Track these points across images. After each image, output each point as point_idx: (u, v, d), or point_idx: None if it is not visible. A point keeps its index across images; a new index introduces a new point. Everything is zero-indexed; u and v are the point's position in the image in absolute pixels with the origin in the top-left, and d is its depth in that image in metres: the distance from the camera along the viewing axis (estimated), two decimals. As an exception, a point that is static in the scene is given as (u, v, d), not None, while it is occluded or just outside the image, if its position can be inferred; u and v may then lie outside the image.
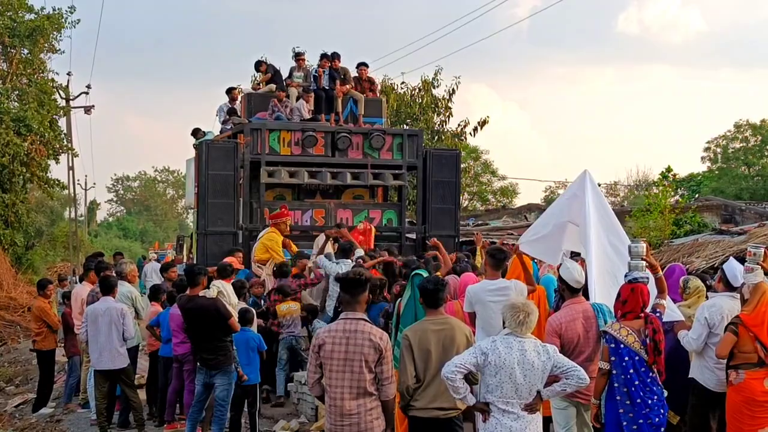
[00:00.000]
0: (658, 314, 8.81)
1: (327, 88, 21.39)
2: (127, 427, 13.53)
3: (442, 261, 13.25)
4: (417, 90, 37.28)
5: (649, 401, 8.45)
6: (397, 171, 20.82)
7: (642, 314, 8.67)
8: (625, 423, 8.42)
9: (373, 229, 18.54)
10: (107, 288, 13.28)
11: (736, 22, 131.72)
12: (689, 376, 10.13)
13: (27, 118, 27.56)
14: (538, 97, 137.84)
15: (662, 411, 8.57)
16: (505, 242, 21.44)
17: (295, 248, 17.43)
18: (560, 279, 9.66)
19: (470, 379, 7.40)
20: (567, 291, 9.48)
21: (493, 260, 10.46)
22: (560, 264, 10.35)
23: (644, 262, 8.91)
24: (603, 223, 10.62)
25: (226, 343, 11.61)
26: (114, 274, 14.22)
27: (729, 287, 9.93)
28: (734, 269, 9.96)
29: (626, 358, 8.45)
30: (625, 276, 8.87)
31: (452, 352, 7.72)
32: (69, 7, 30.20)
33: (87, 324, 13.27)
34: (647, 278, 8.89)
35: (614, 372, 8.48)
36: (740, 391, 9.35)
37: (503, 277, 10.52)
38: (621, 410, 8.46)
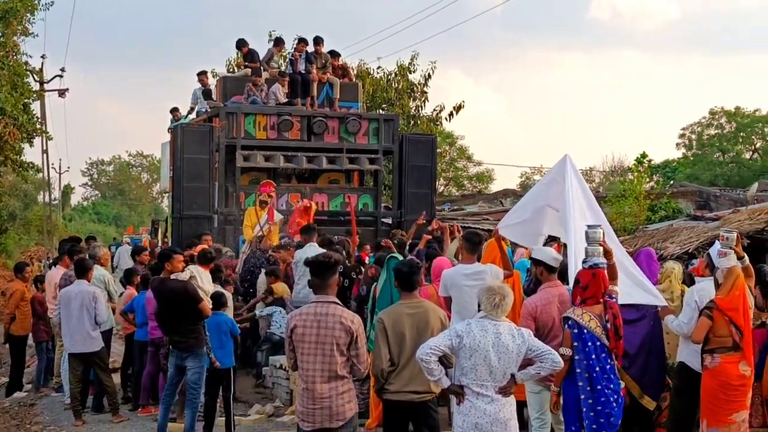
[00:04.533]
0: (614, 299, 8.78)
1: (303, 72, 21.33)
2: (101, 411, 13.54)
3: (447, 244, 13.45)
4: (393, 75, 37.24)
5: (606, 390, 8.47)
6: (372, 156, 20.89)
7: (602, 299, 8.69)
8: (584, 409, 8.44)
9: (313, 206, 18.13)
10: (82, 270, 13.36)
11: (708, 9, 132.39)
12: (678, 360, 10.19)
13: (0, 100, 27.48)
14: (513, 83, 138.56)
15: (618, 401, 8.56)
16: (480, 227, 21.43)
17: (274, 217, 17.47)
18: (536, 261, 9.69)
19: (445, 362, 7.37)
20: (545, 272, 9.54)
21: (469, 244, 10.57)
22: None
23: (601, 248, 8.90)
24: (584, 208, 10.57)
25: (197, 326, 11.61)
26: (88, 257, 14.22)
27: (713, 269, 9.95)
28: (717, 253, 9.98)
29: (589, 344, 8.48)
30: (584, 262, 8.83)
31: (426, 335, 7.70)
32: (42, -12, 30.02)
33: (60, 307, 13.35)
34: (606, 264, 8.86)
35: (576, 358, 8.49)
36: (715, 375, 9.38)
37: (479, 261, 10.54)
38: (582, 396, 8.47)
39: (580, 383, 8.47)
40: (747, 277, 9.89)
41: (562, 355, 8.27)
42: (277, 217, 17.44)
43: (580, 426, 8.55)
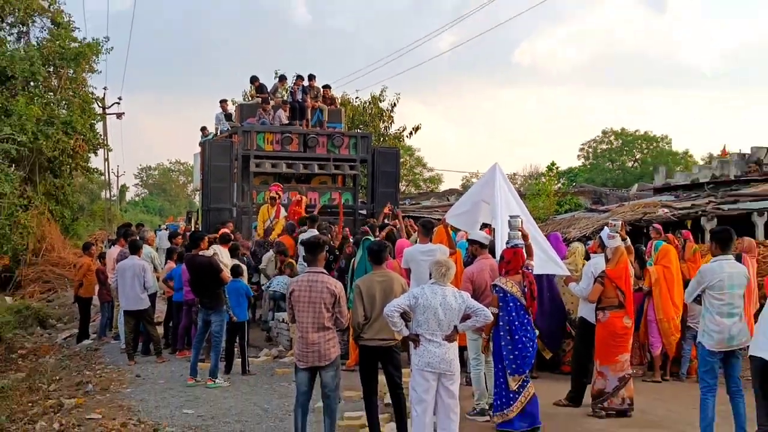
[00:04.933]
0: (530, 270, 8.92)
1: (300, 101, 21.36)
2: (148, 354, 13.64)
3: (401, 225, 13.55)
4: (367, 103, 37.22)
5: (524, 338, 8.61)
6: (352, 163, 20.90)
7: (521, 270, 8.82)
8: (505, 353, 8.58)
9: (304, 200, 18.58)
10: (135, 248, 13.65)
11: (602, 52, 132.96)
12: (579, 315, 10.27)
13: (72, 121, 27.29)
14: (457, 110, 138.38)
15: (533, 346, 8.71)
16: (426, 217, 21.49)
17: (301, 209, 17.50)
18: (472, 241, 9.78)
19: (405, 317, 7.39)
20: (479, 248, 9.67)
21: (424, 230, 10.74)
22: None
23: (519, 233, 9.01)
24: (509, 202, 10.68)
25: (219, 290, 11.72)
26: (139, 239, 14.36)
27: (604, 248, 9.99)
28: (607, 236, 10.04)
29: (511, 304, 8.64)
30: (507, 242, 9.03)
31: (391, 297, 7.70)
32: (104, 37, 29.97)
33: (117, 276, 13.55)
34: (523, 244, 9.00)
35: (501, 314, 8.63)
36: (606, 327, 9.46)
37: (431, 242, 10.58)
38: (503, 343, 8.63)
39: (502, 333, 8.64)
40: (629, 254, 10.05)
41: (493, 313, 8.34)
42: (282, 213, 17.44)
43: (502, 364, 8.63)
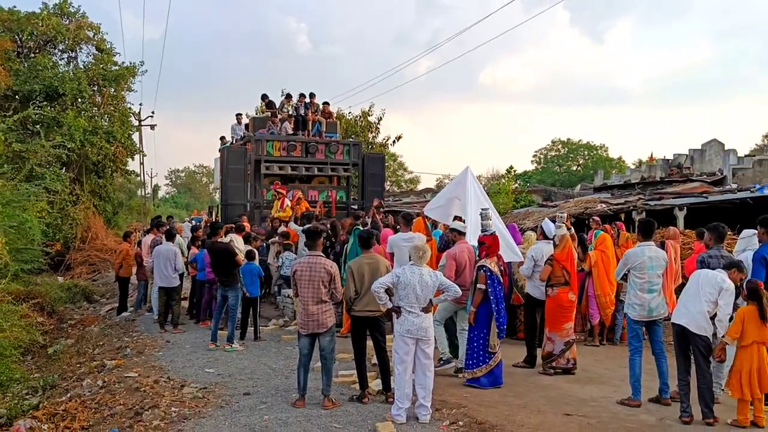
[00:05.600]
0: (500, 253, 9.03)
1: (303, 115, 21.33)
2: (176, 326, 13.33)
3: (377, 219, 13.70)
4: (359, 117, 37.22)
5: (502, 306, 8.58)
6: (346, 167, 20.82)
7: (498, 253, 8.90)
8: (499, 321, 8.51)
9: (303, 198, 18.41)
10: (170, 236, 13.71)
11: (552, 75, 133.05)
12: (526, 291, 10.29)
13: (113, 132, 27.25)
14: (433, 122, 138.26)
15: (505, 314, 8.69)
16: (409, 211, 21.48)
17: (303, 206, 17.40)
18: (453, 230, 9.78)
19: (389, 292, 7.38)
20: (458, 235, 9.63)
21: (405, 221, 10.81)
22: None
23: (491, 222, 9.05)
24: (479, 198, 10.82)
25: (235, 271, 11.70)
26: (174, 228, 14.63)
27: (545, 237, 10.07)
28: (548, 225, 10.13)
29: (495, 281, 8.59)
30: (485, 231, 8.99)
31: (377, 276, 7.68)
32: (140, 62, 29.80)
33: (153, 259, 13.54)
34: (495, 231, 9.04)
35: (490, 290, 8.56)
36: (554, 300, 9.50)
37: (411, 231, 10.61)
38: (493, 311, 8.55)
39: (493, 305, 8.56)
40: (573, 241, 10.08)
41: (479, 288, 8.50)
42: (287, 203, 17.41)
43: (487, 332, 8.61)
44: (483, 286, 8.56)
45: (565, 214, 10.34)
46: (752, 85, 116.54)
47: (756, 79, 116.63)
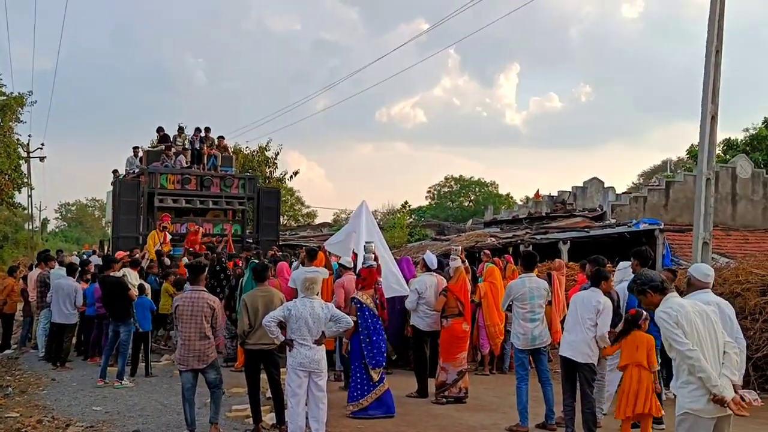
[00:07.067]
0: (380, 285, 9.29)
1: (198, 148, 21.10)
2: (64, 364, 12.63)
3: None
4: (255, 152, 37.06)
5: (379, 338, 8.73)
6: (241, 200, 20.75)
7: (374, 286, 9.08)
8: (366, 352, 8.63)
9: (200, 231, 18.55)
10: (71, 271, 13.11)
11: (444, 115, 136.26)
12: (410, 323, 10.38)
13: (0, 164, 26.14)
14: (329, 159, 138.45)
15: (384, 345, 8.84)
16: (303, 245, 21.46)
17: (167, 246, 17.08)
18: (341, 265, 10.03)
19: (281, 326, 7.31)
20: (344, 269, 10.05)
21: (308, 255, 10.92)
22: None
23: (372, 255, 9.29)
24: (371, 232, 11.05)
25: (127, 305, 11.32)
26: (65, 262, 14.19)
27: (427, 269, 10.26)
28: (429, 257, 10.38)
29: (366, 313, 8.74)
30: (363, 263, 9.35)
31: (271, 308, 7.61)
32: (29, 91, 28.78)
33: (52, 294, 12.81)
34: (376, 264, 9.37)
35: (360, 322, 8.69)
36: (448, 331, 9.58)
37: (314, 265, 10.64)
38: (363, 344, 8.68)
39: (362, 337, 8.69)
40: (466, 273, 10.22)
41: (354, 321, 8.40)
42: (169, 238, 17.16)
43: (361, 362, 8.69)
44: (354, 318, 8.61)
45: (460, 247, 10.57)
46: (626, 130, 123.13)
47: (629, 124, 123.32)
